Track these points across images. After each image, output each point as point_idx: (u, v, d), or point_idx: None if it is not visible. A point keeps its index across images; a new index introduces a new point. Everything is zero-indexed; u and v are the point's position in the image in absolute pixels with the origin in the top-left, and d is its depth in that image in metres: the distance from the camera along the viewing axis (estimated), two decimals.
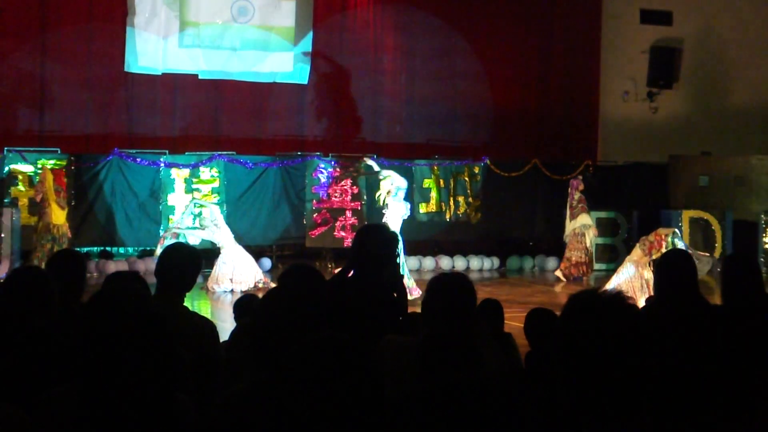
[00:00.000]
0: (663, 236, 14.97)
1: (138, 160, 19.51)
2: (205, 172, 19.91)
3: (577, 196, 19.31)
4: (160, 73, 21.00)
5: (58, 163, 18.82)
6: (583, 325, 2.63)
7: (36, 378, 4.00)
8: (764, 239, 20.15)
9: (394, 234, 6.12)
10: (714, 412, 3.56)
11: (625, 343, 2.57)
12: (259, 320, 3.67)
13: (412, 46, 22.89)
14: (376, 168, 17.43)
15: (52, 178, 17.09)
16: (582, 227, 19.13)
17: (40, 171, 17.64)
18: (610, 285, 14.73)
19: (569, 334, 2.67)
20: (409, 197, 17.94)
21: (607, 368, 2.57)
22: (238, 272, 16.64)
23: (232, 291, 16.36)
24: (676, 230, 15.32)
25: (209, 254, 17.19)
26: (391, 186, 15.61)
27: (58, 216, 16.69)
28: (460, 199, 21.15)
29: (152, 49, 20.96)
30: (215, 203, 18.99)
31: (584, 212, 19.25)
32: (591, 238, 19.36)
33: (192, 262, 5.41)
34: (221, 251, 16.90)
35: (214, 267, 16.87)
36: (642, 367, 2.57)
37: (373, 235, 6.04)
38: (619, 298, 2.67)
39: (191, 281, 5.38)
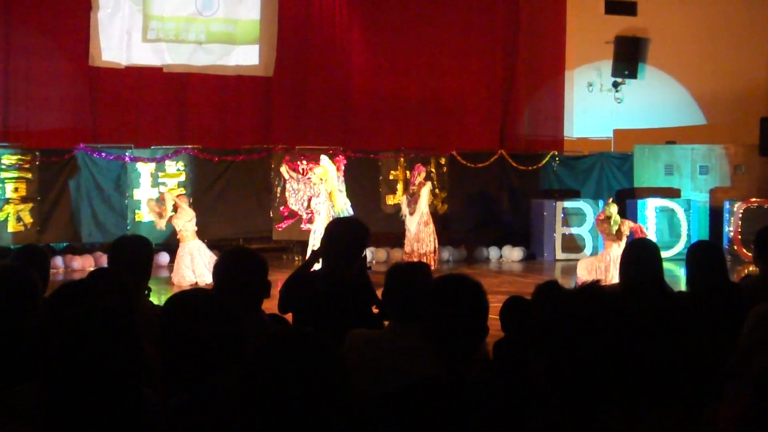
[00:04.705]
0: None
1: (103, 154, 19.38)
2: (171, 166, 19.81)
3: (417, 181, 18.15)
4: (124, 67, 20.90)
5: (23, 158, 18.69)
6: (552, 314, 2.63)
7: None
8: (729, 227, 20.30)
9: (365, 228, 6.10)
10: (682, 397, 3.58)
11: (594, 330, 2.57)
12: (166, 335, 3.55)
13: (378, 38, 22.88)
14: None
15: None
16: (423, 215, 18.01)
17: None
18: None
19: (541, 322, 2.67)
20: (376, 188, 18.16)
21: (578, 356, 2.57)
22: (198, 264, 16.62)
23: (196, 284, 16.33)
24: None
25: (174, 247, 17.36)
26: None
27: (337, 199, 17.54)
28: None
29: (116, 43, 20.84)
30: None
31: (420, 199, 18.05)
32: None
33: (142, 251, 5.36)
34: (180, 244, 16.93)
35: (176, 261, 16.92)
36: (612, 354, 2.58)
37: (345, 228, 6.02)
38: (588, 287, 2.68)
39: (146, 270, 5.32)
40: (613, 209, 15.48)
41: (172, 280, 16.67)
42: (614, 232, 15.28)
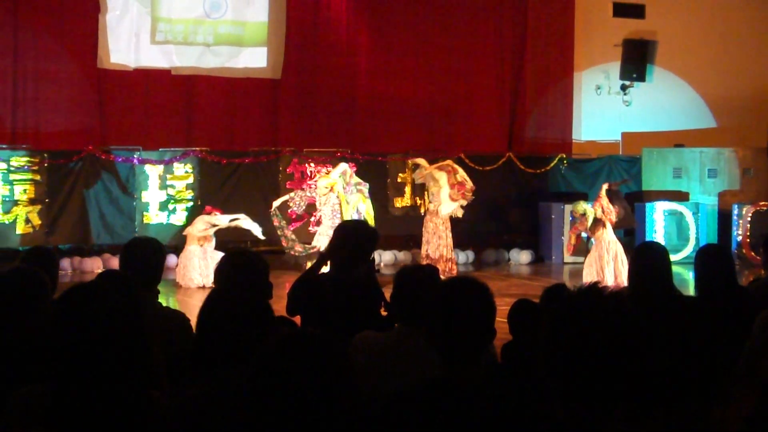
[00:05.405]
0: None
1: (111, 156, 19.44)
2: (179, 168, 19.87)
3: (459, 176, 18.10)
4: (132, 69, 20.90)
5: (32, 160, 18.79)
6: (553, 316, 2.63)
7: (5, 377, 3.97)
8: (737, 231, 20.27)
9: (373, 231, 6.10)
10: (689, 400, 3.57)
11: (594, 332, 2.56)
12: (201, 329, 3.59)
13: (385, 41, 22.86)
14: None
15: (349, 173, 18.01)
16: (453, 212, 18.12)
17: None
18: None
19: (544, 324, 2.67)
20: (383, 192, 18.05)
21: (582, 358, 2.56)
22: (203, 267, 16.64)
23: (204, 287, 16.34)
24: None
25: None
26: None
27: (347, 210, 17.57)
28: None
29: (124, 45, 20.84)
30: (189, 199, 19.32)
31: (461, 199, 18.07)
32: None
33: (154, 254, 5.37)
34: (186, 247, 16.97)
35: (181, 263, 16.94)
36: (617, 356, 2.57)
37: (353, 231, 6.03)
38: (587, 288, 2.67)
39: (157, 273, 5.34)
40: (584, 204, 15.69)
41: (179, 283, 16.67)
42: (591, 224, 15.42)
